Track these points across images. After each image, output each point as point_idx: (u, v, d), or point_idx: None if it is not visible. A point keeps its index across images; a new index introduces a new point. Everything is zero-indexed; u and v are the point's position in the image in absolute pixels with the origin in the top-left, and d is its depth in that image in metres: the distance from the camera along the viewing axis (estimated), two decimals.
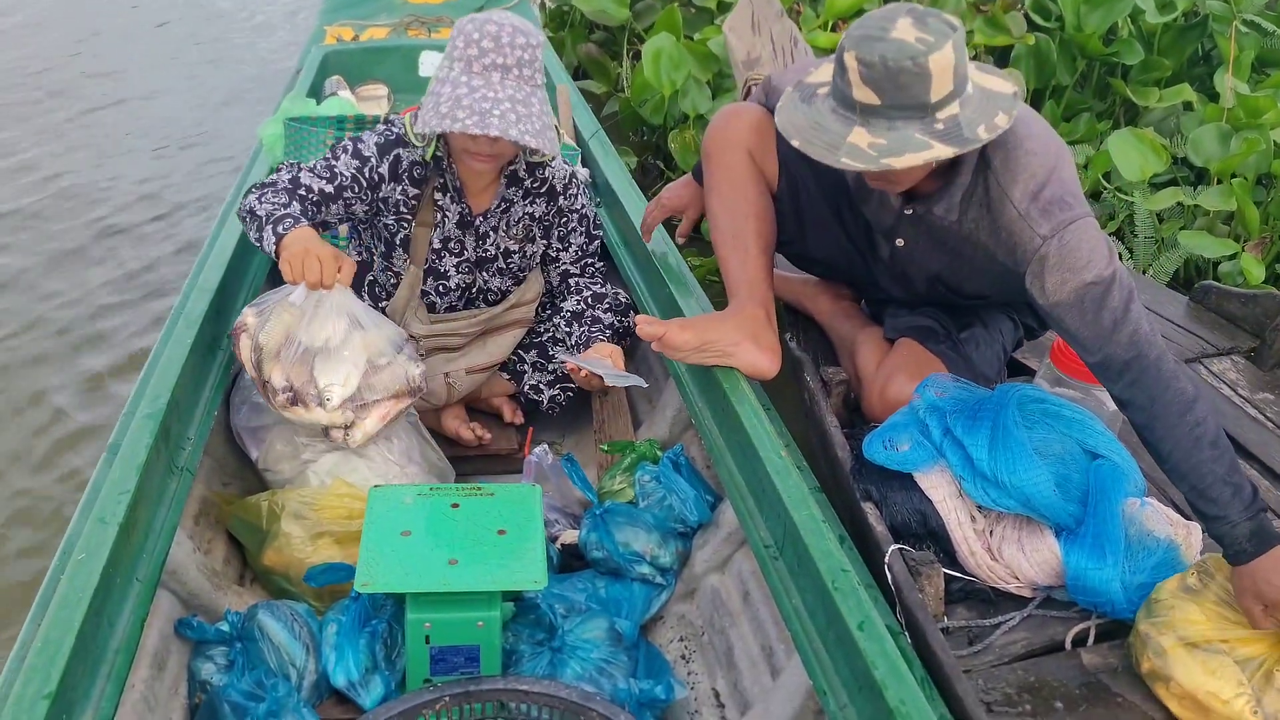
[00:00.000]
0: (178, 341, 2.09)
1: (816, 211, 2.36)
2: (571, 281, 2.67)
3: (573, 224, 2.60)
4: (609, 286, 2.68)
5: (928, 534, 1.76)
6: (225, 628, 1.89)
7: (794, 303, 2.62)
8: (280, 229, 2.11)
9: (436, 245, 2.44)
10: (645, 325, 2.12)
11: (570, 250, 2.63)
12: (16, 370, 3.43)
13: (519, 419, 2.70)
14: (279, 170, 2.31)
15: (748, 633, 2.02)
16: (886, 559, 1.66)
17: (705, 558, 2.20)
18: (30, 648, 1.40)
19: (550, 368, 2.63)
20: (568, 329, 2.60)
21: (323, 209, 2.28)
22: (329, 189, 2.27)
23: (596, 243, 2.70)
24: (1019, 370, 2.43)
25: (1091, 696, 1.57)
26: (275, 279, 3.02)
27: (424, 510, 1.87)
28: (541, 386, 2.65)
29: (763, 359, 2.10)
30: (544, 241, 2.58)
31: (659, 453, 2.40)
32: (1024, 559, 1.71)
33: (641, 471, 2.31)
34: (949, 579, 1.72)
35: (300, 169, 2.29)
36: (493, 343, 2.60)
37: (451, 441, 2.60)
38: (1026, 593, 1.74)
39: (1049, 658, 1.66)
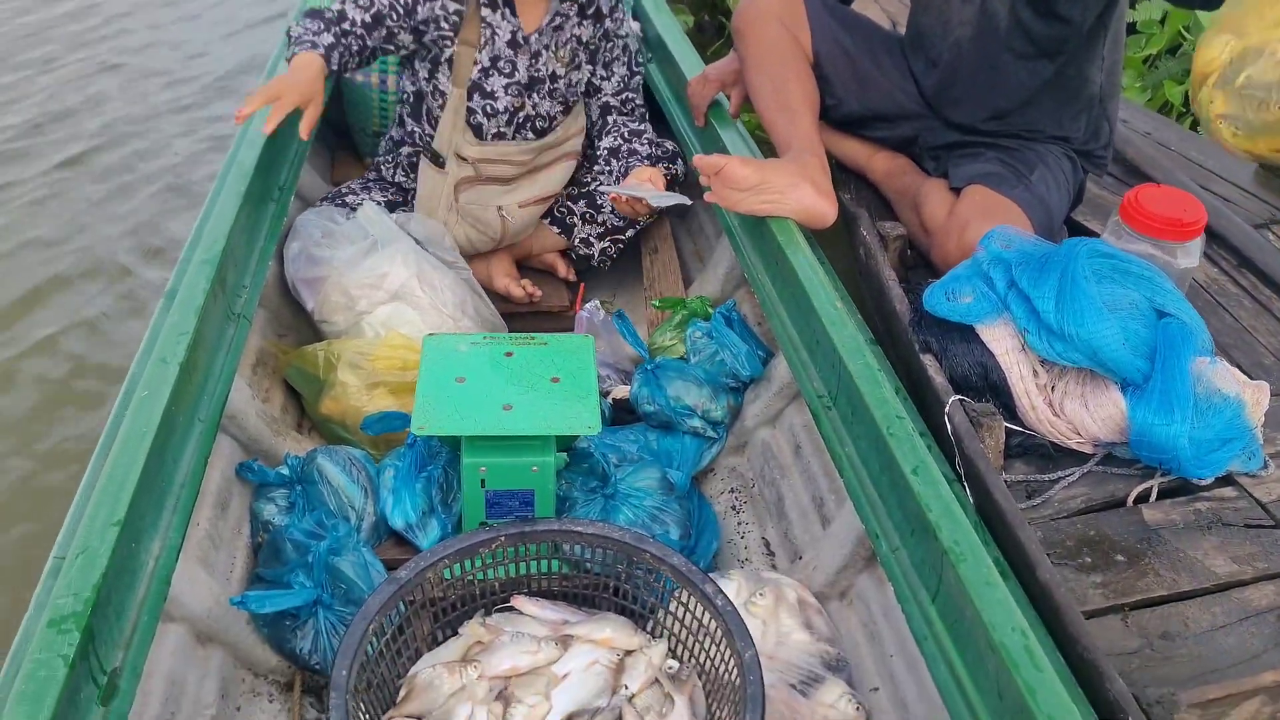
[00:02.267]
0: (230, 190, 2.09)
1: (856, 67, 2.38)
2: (610, 119, 2.63)
3: (616, 51, 2.58)
4: (647, 125, 2.67)
5: (988, 388, 1.73)
6: (285, 471, 1.93)
7: (848, 161, 2.56)
8: (292, 50, 2.27)
9: (485, 64, 2.42)
10: (704, 159, 2.09)
11: (613, 80, 2.61)
12: None
13: (571, 275, 2.69)
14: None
15: (798, 484, 2.04)
16: (947, 409, 1.63)
17: (756, 412, 2.20)
18: (98, 480, 1.44)
19: (600, 219, 2.61)
20: (605, 166, 2.59)
21: (366, 39, 2.33)
22: (368, 18, 2.31)
23: (638, 78, 2.68)
24: (1076, 230, 2.35)
25: (1153, 553, 1.55)
26: (325, 134, 3.01)
27: (479, 357, 1.88)
28: (592, 239, 2.63)
29: (821, 202, 2.06)
30: (589, 67, 2.56)
31: (710, 309, 2.38)
32: (1087, 414, 1.67)
33: (693, 328, 2.30)
34: (1008, 434, 1.68)
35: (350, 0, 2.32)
36: (543, 176, 2.58)
37: (503, 299, 2.60)
38: (1087, 449, 1.71)
39: (1109, 513, 1.63)
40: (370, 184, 2.65)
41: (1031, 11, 2.10)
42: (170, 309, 1.78)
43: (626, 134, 2.60)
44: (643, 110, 2.70)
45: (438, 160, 2.48)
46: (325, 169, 3.02)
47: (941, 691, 1.35)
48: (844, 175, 2.51)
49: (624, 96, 2.64)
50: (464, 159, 2.46)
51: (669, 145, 2.65)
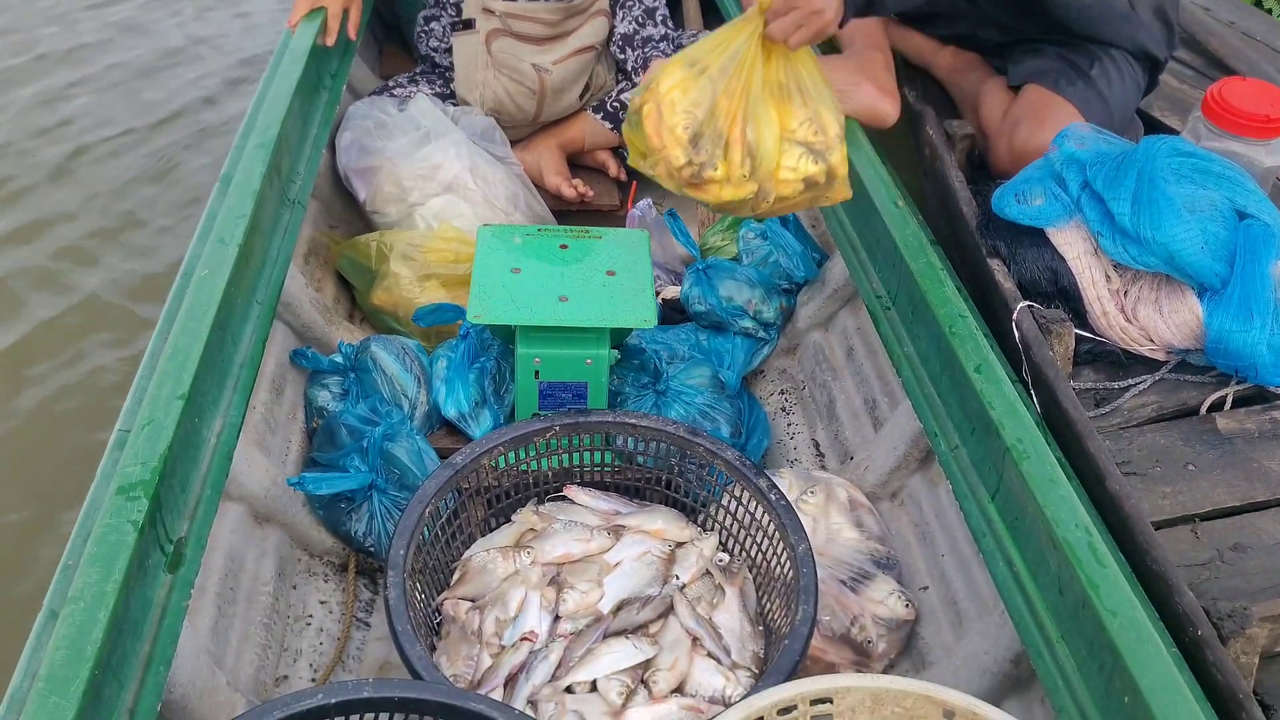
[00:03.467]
0: (284, 77, 2.06)
1: None
2: None
3: None
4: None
5: (1057, 293, 1.69)
6: (339, 359, 1.94)
7: (913, 57, 2.48)
8: None
9: None
10: None
11: None
12: None
13: (623, 174, 2.65)
14: None
15: (850, 387, 2.02)
16: (1014, 315, 1.60)
17: (809, 314, 2.18)
18: (160, 356, 1.45)
19: None
20: (620, 54, 2.55)
21: None
22: None
23: None
24: (1155, 128, 2.26)
25: (1225, 462, 1.52)
26: (374, 27, 2.97)
27: (534, 249, 1.86)
28: None
29: (883, 100, 2.01)
30: None
31: None
32: (1161, 320, 1.63)
33: (745, 228, 2.27)
34: (1077, 340, 1.65)
35: None
36: (574, 37, 2.53)
37: (554, 197, 2.57)
38: (1160, 356, 1.68)
39: (1181, 421, 1.60)
40: (418, 77, 2.61)
41: None
42: (227, 193, 1.77)
43: (640, 14, 2.54)
44: None
45: (469, 26, 2.47)
46: (374, 62, 2.98)
47: (1000, 588, 1.35)
48: (910, 72, 2.43)
49: None
50: (491, 12, 2.45)
51: None
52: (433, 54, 2.61)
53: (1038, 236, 1.71)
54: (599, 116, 2.59)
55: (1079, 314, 1.68)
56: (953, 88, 2.34)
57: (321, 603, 1.71)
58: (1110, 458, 1.40)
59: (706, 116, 1.54)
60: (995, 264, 1.73)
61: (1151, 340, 1.66)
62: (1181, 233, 1.56)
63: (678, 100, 1.54)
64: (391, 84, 2.59)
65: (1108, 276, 1.67)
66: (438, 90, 2.55)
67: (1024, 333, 1.58)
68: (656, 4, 2.57)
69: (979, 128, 2.15)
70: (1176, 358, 1.67)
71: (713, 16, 2.85)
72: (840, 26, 1.61)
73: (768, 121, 1.56)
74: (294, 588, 1.70)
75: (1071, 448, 1.44)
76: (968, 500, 1.45)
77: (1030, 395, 1.53)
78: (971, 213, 1.85)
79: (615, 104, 2.58)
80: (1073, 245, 1.67)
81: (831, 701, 1.19)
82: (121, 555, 1.16)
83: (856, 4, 1.79)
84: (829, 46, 2.30)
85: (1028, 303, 1.63)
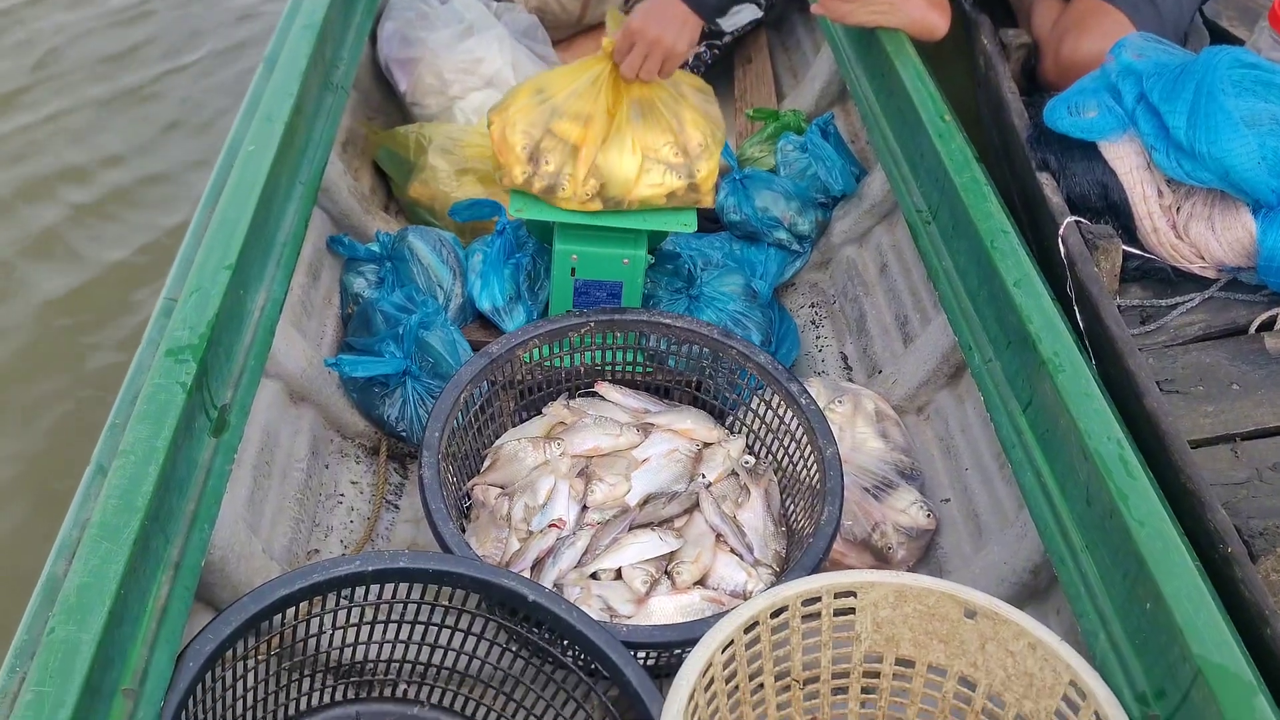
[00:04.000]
0: None
1: None
2: None
3: None
4: None
5: (1107, 208, 1.66)
6: (376, 247, 1.94)
7: None
8: None
9: None
10: None
11: None
12: None
13: None
14: None
15: (882, 303, 2.02)
16: (1061, 230, 1.58)
17: (844, 229, 2.17)
18: (207, 228, 1.46)
19: None
20: None
21: None
22: None
23: None
24: (1222, 38, 2.15)
25: (1271, 382, 1.50)
26: None
27: None
28: None
29: (932, 13, 1.97)
30: None
31: (804, 124, 2.33)
32: (1213, 237, 1.61)
33: (785, 141, 2.25)
34: (1125, 256, 1.63)
35: None
36: None
37: None
38: (1210, 274, 1.66)
39: (1228, 340, 1.58)
40: None
41: None
42: (272, 73, 1.77)
43: None
44: None
45: None
46: None
47: (1026, 497, 1.37)
48: None
49: None
50: None
51: None
52: None
53: (1089, 150, 1.67)
54: None
55: (1129, 230, 1.65)
56: None
57: (353, 483, 1.75)
58: (1150, 375, 1.39)
59: (543, 135, 1.67)
60: (1044, 178, 1.71)
61: (1202, 258, 1.64)
62: (1239, 147, 1.52)
63: (518, 121, 1.68)
64: None
65: (1160, 192, 1.63)
66: None
67: (1070, 248, 1.57)
68: None
69: (1033, 37, 2.11)
70: (1227, 276, 1.65)
71: None
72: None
73: (622, 150, 1.67)
74: (326, 467, 1.73)
75: (1112, 365, 1.43)
76: (999, 412, 1.46)
77: (1074, 311, 1.53)
78: (1023, 125, 1.81)
79: None
80: (1125, 159, 1.64)
81: (856, 595, 1.22)
82: (170, 414, 1.19)
83: (715, 14, 1.78)
84: None
85: (1075, 218, 1.61)
